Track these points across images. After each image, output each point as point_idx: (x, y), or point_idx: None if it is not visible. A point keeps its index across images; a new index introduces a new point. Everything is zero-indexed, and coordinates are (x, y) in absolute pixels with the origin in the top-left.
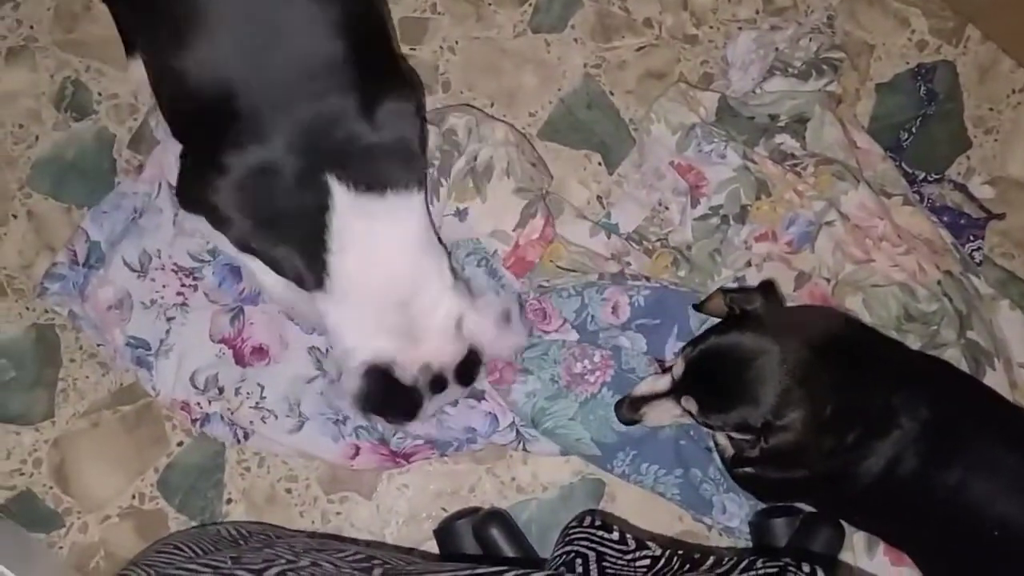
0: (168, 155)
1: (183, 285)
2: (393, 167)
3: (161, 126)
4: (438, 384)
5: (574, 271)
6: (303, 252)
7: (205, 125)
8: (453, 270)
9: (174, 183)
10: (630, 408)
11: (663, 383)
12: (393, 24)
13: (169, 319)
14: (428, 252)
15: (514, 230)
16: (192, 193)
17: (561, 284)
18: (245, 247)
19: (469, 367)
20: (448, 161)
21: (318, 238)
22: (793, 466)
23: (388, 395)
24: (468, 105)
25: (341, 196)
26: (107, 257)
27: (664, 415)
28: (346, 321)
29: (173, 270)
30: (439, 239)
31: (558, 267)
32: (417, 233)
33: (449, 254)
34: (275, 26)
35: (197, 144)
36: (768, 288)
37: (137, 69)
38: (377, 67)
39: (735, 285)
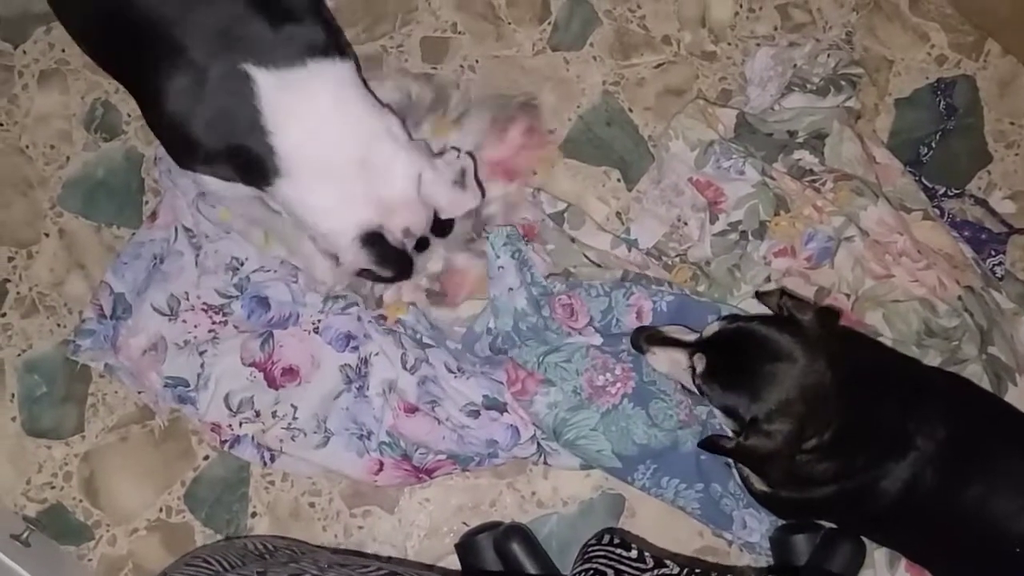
0: (179, 199)
1: (214, 322)
2: (304, 38)
3: (165, 175)
4: (422, 243)
5: (599, 265)
6: (250, 147)
7: (130, 61)
8: (406, 132)
9: (189, 226)
10: (649, 339)
11: (689, 336)
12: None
13: (201, 353)
14: (369, 113)
15: (484, 145)
16: (173, 148)
17: (591, 282)
18: (213, 169)
19: (442, 222)
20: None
21: (256, 126)
22: (758, 472)
23: (387, 256)
24: None
25: (262, 78)
26: (134, 306)
27: (668, 360)
28: (315, 199)
29: (203, 309)
30: (384, 105)
31: (587, 256)
32: (351, 95)
33: (400, 120)
34: None
35: (135, 87)
36: (827, 313)
37: None
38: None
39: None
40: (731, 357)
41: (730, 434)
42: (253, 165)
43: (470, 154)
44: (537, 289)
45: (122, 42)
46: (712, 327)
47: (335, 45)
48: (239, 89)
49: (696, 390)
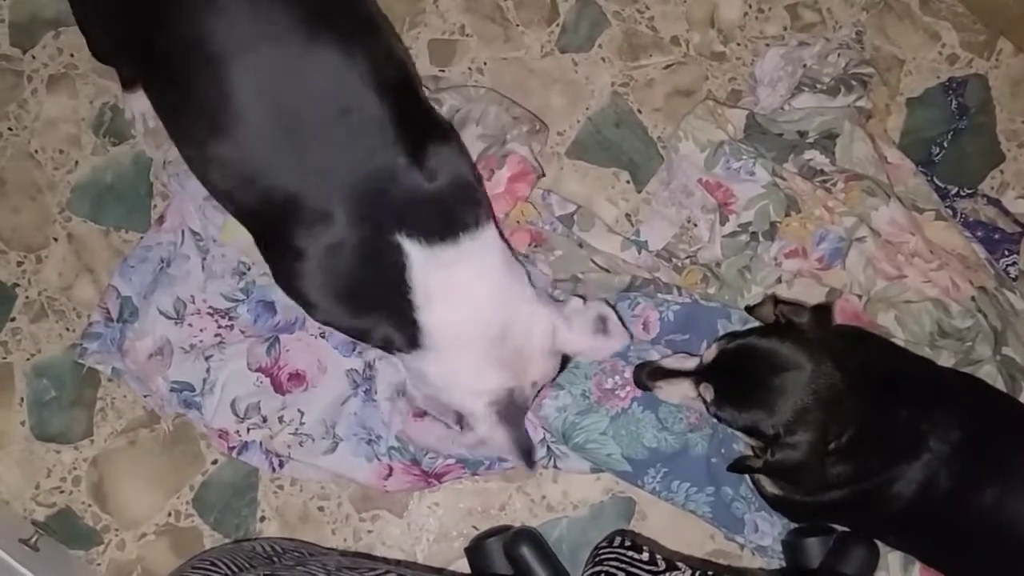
0: (187, 203)
1: (220, 326)
2: (457, 210)
3: (173, 179)
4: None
5: (608, 270)
6: (391, 317)
7: (265, 214)
8: (531, 283)
9: (196, 230)
10: (651, 375)
11: (690, 363)
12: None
13: (207, 358)
14: (510, 281)
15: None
16: (285, 282)
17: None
18: (335, 327)
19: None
20: None
21: (403, 299)
22: (793, 484)
23: (512, 418)
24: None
25: (415, 252)
26: (141, 310)
27: (677, 393)
28: (451, 373)
29: (209, 313)
30: (513, 255)
31: (595, 262)
32: (496, 268)
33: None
34: (306, 95)
35: (265, 233)
36: (822, 310)
37: (132, 102)
38: (412, 115)
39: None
40: (738, 377)
41: (749, 452)
42: (388, 336)
43: (606, 301)
44: None
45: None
46: (711, 351)
47: (484, 212)
48: (389, 260)
49: (713, 418)
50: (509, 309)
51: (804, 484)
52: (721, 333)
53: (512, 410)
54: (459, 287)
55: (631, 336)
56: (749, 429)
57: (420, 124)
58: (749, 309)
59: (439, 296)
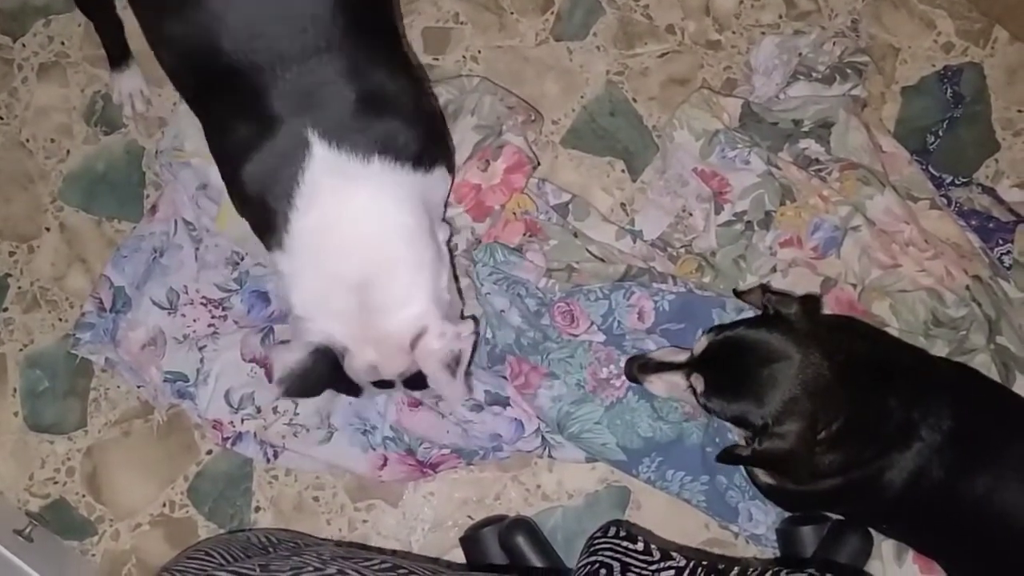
0: (180, 193)
1: (213, 316)
2: (384, 138)
3: (166, 169)
4: (384, 384)
5: (603, 259)
6: (274, 206)
7: (205, 91)
8: (454, 288)
9: (189, 219)
10: (641, 368)
11: (680, 356)
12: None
13: (201, 348)
14: (409, 241)
15: (465, 163)
16: (224, 178)
17: (589, 287)
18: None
19: (419, 378)
20: None
21: (288, 193)
22: (782, 474)
23: (329, 377)
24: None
25: (319, 151)
26: (134, 300)
27: (667, 386)
28: (299, 289)
29: (202, 303)
30: (449, 252)
31: (590, 252)
32: (398, 212)
33: (455, 274)
34: None
35: (203, 110)
36: (810, 300)
37: (120, 83)
38: (376, 38)
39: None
40: (727, 368)
41: (742, 442)
42: (264, 224)
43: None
44: (533, 301)
45: (207, 74)
46: (701, 342)
47: (419, 157)
48: (295, 151)
49: (703, 409)
50: (385, 266)
51: (793, 474)
52: (717, 323)
53: (329, 366)
54: (345, 208)
55: (470, 392)
56: (738, 419)
57: (378, 44)
58: (739, 294)
59: (320, 206)
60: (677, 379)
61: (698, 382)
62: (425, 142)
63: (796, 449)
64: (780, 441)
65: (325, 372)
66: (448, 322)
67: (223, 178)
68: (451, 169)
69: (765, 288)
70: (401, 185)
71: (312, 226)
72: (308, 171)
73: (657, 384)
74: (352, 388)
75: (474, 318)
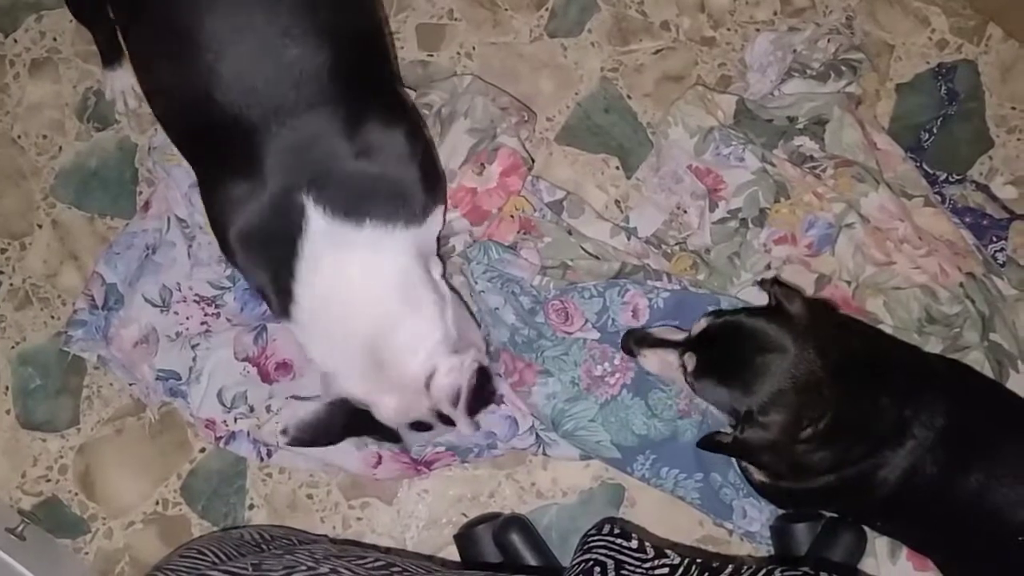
0: (173, 190)
1: (206, 314)
2: (376, 194)
3: (159, 166)
4: (421, 426)
5: (597, 256)
6: (275, 277)
7: (198, 143)
8: (463, 317)
9: (182, 216)
10: (638, 341)
11: (678, 335)
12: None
13: (194, 346)
14: (406, 295)
15: (460, 167)
16: (206, 209)
17: (583, 284)
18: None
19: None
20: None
21: (288, 263)
22: (759, 465)
23: (348, 427)
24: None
25: (316, 220)
26: (126, 297)
27: (660, 362)
28: (315, 351)
29: (195, 300)
30: (449, 286)
31: (584, 249)
32: (395, 272)
33: (457, 301)
34: (263, 37)
35: (197, 162)
36: (817, 302)
37: (112, 80)
38: (368, 85)
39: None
40: (721, 352)
41: (727, 430)
42: (266, 295)
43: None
44: (527, 299)
45: (199, 125)
46: (700, 323)
47: (411, 213)
48: (290, 218)
49: (690, 388)
50: (390, 323)
51: (770, 467)
52: None
53: (361, 417)
54: (345, 276)
55: (478, 429)
56: (722, 404)
57: (370, 100)
58: (761, 283)
59: (322, 276)
60: (671, 357)
61: (690, 361)
62: (417, 194)
63: (776, 441)
64: (763, 431)
65: (340, 423)
66: (456, 355)
67: (215, 234)
68: (443, 204)
69: (775, 280)
70: (395, 243)
71: (317, 295)
72: (307, 243)
73: (651, 359)
74: (391, 435)
75: (487, 340)
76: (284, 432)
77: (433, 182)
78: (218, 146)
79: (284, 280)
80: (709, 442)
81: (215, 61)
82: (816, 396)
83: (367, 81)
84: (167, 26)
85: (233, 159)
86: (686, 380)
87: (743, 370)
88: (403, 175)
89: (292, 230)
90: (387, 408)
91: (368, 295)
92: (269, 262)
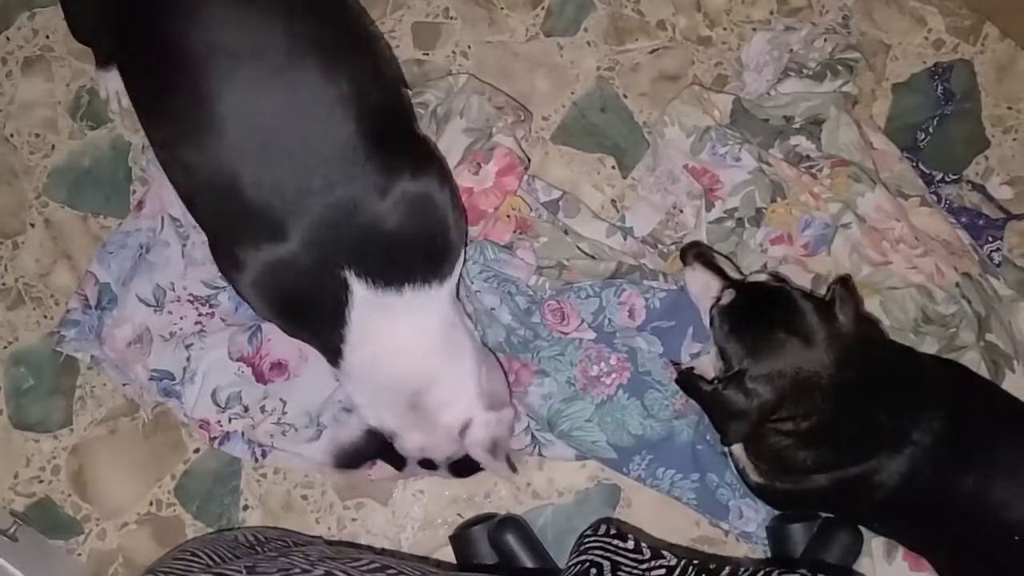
0: (166, 188)
1: (200, 314)
2: (413, 259)
3: (153, 165)
4: (428, 464)
5: (593, 256)
6: (322, 338)
7: (219, 217)
8: (496, 376)
9: (176, 216)
10: (696, 256)
11: (734, 272)
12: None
13: (188, 346)
14: (447, 351)
15: (456, 167)
16: (228, 282)
17: (579, 284)
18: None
19: (465, 464)
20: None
21: (337, 330)
22: (718, 428)
23: (376, 452)
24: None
25: (360, 292)
26: (120, 296)
27: (702, 283)
28: (363, 399)
29: (189, 300)
30: (471, 320)
31: (580, 249)
32: (436, 328)
33: (485, 351)
34: (283, 113)
35: (214, 234)
36: (869, 322)
37: (106, 81)
38: (391, 145)
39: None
40: (756, 309)
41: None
42: (322, 352)
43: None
44: (523, 299)
45: (227, 203)
46: (760, 276)
47: (442, 267)
48: (333, 291)
49: (708, 318)
50: (433, 377)
51: (727, 434)
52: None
53: (379, 444)
54: (392, 338)
55: (515, 471)
56: (724, 351)
57: (398, 155)
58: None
59: (369, 340)
60: (715, 284)
61: (727, 296)
62: (448, 248)
63: (748, 412)
64: (742, 396)
65: (374, 450)
66: (492, 411)
67: (247, 301)
68: (466, 243)
69: (845, 278)
70: (434, 302)
71: (366, 356)
72: (354, 312)
73: (698, 276)
74: (398, 460)
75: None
76: (331, 456)
77: (461, 226)
78: (250, 221)
79: (334, 343)
80: (687, 378)
81: (243, 138)
82: (808, 398)
83: (393, 136)
84: (187, 114)
85: (260, 231)
86: (710, 311)
87: (762, 336)
88: (435, 229)
89: (337, 301)
90: (412, 442)
91: (413, 354)
92: (315, 327)
